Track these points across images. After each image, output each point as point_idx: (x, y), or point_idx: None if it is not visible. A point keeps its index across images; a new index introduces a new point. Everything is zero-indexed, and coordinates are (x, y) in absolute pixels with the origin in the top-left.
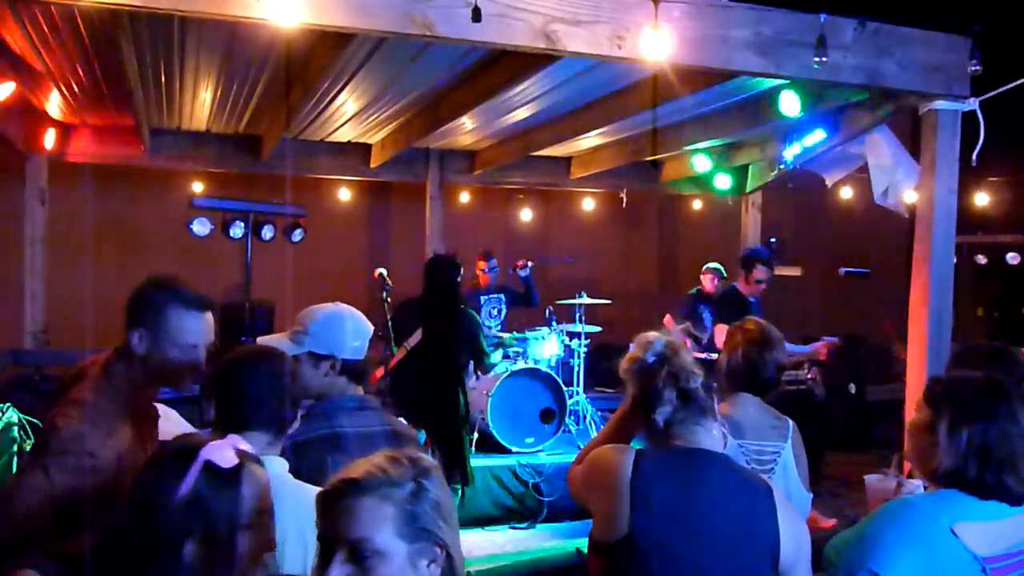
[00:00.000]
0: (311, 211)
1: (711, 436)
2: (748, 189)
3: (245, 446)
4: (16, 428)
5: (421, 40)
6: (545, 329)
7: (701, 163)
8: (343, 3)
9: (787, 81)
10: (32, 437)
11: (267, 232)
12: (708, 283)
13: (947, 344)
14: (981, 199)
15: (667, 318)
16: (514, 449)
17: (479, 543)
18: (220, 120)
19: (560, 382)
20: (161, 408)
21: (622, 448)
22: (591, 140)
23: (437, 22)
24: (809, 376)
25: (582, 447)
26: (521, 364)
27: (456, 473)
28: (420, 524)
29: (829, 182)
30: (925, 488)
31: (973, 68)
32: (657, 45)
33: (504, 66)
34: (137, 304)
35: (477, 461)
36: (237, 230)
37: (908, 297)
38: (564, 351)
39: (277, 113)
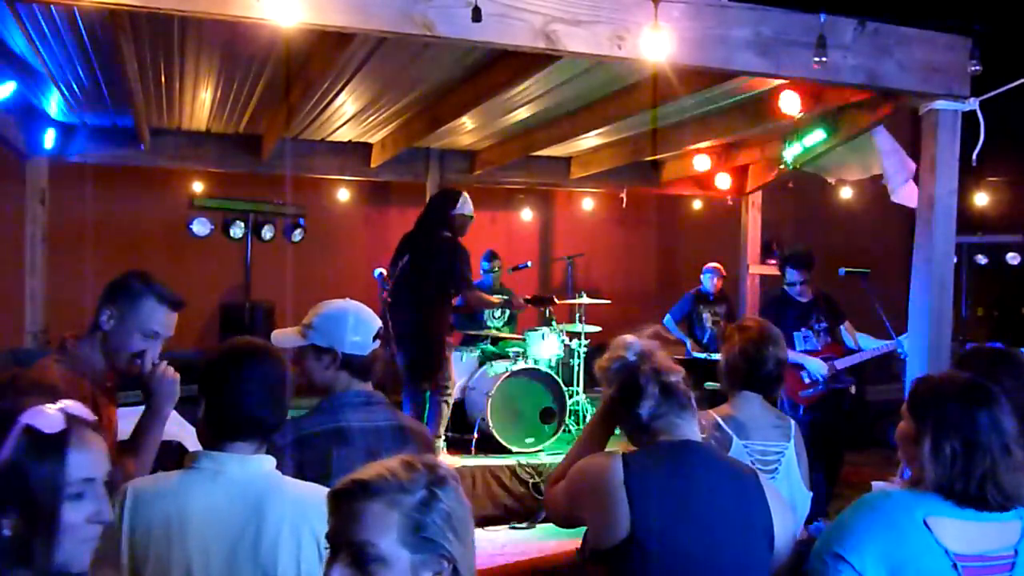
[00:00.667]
0: (311, 211)
1: (693, 429)
2: (748, 189)
3: (76, 409)
4: None
5: (421, 40)
6: (545, 329)
7: (701, 163)
8: (343, 3)
9: (787, 81)
10: None
11: (267, 232)
12: (709, 283)
13: (947, 344)
14: (981, 199)
15: (666, 318)
16: (514, 449)
17: (479, 543)
18: (220, 120)
19: (560, 382)
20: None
21: (605, 453)
22: (591, 140)
23: (437, 22)
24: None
25: (553, 471)
26: (521, 364)
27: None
28: (427, 534)
29: (832, 179)
30: None
31: (973, 68)
32: (657, 45)
33: (504, 66)
34: (116, 287)
35: (477, 461)
36: (237, 230)
37: (908, 297)
38: (564, 351)
39: (277, 113)
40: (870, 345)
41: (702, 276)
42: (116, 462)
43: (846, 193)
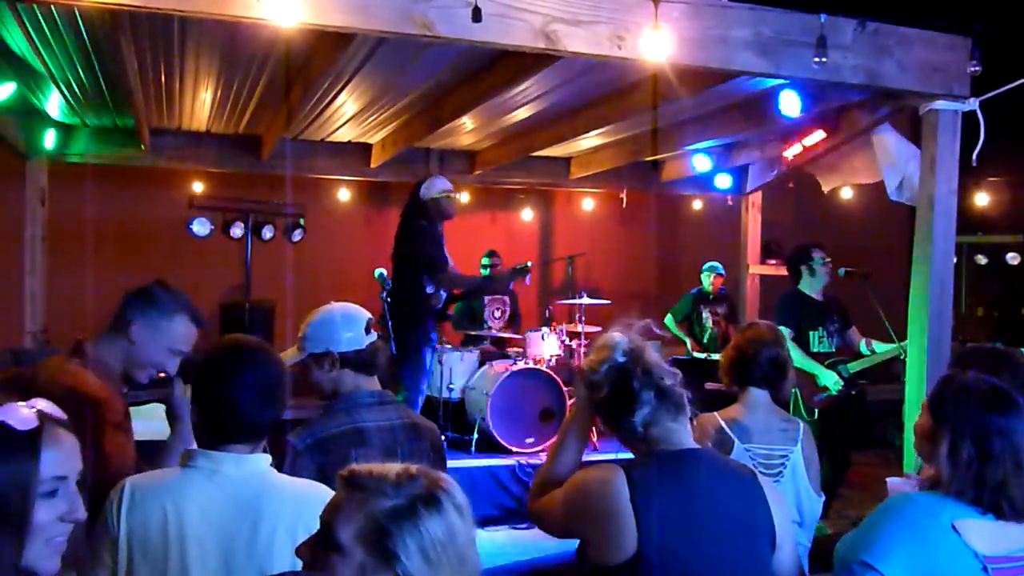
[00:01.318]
0: (311, 211)
1: (688, 432)
2: (748, 189)
3: (49, 407)
4: None
5: (421, 40)
6: (545, 329)
7: (701, 163)
8: (343, 3)
9: (787, 81)
10: None
11: (267, 232)
12: (708, 282)
13: (947, 344)
14: (981, 199)
15: (667, 318)
16: (514, 449)
17: (479, 543)
18: (220, 120)
19: (560, 382)
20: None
21: (606, 467)
22: (591, 140)
23: (437, 22)
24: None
25: (532, 481)
26: (521, 364)
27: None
28: (388, 543)
29: (826, 188)
30: None
31: (973, 68)
32: (657, 45)
33: (504, 66)
34: (148, 300)
35: (477, 461)
36: (237, 230)
37: (908, 297)
38: (564, 351)
39: (277, 113)
40: (882, 349)
41: (701, 275)
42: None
43: (846, 193)
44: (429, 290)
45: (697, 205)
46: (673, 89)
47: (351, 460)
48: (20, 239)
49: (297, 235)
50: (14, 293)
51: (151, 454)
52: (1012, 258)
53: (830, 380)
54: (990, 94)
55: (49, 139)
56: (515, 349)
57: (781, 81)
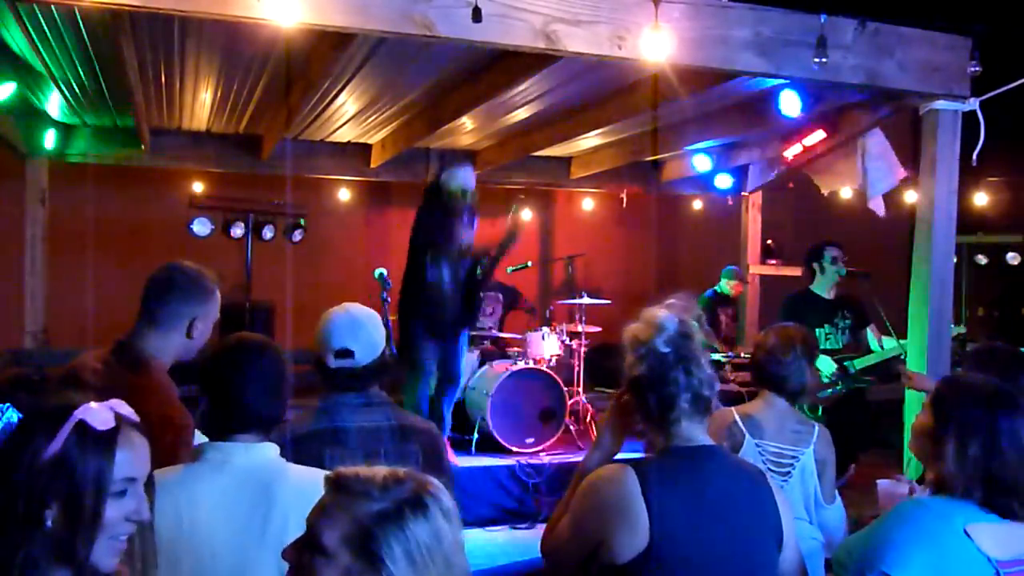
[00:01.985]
0: (311, 211)
1: (705, 430)
2: (748, 189)
3: (124, 409)
4: None
5: (421, 40)
6: (545, 329)
7: (701, 163)
8: (343, 3)
9: (787, 81)
10: None
11: (267, 232)
12: (729, 286)
13: (947, 344)
14: (981, 199)
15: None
16: (514, 449)
17: (480, 543)
18: (220, 120)
19: (560, 382)
20: None
21: (614, 466)
22: (591, 140)
23: (437, 22)
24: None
25: (549, 521)
26: (521, 364)
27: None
28: (373, 547)
29: (824, 190)
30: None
31: (973, 68)
32: (657, 45)
33: (504, 66)
34: (196, 290)
35: (477, 461)
36: (237, 230)
37: (908, 297)
38: (564, 351)
39: (277, 113)
40: (888, 346)
41: (721, 278)
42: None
43: (846, 193)
44: (431, 278)
45: (697, 205)
46: (673, 89)
47: (324, 460)
48: (20, 239)
49: (297, 235)
50: (14, 293)
51: None
52: (1012, 258)
53: (824, 365)
54: (990, 94)
55: (49, 139)
56: (515, 349)
57: (781, 81)
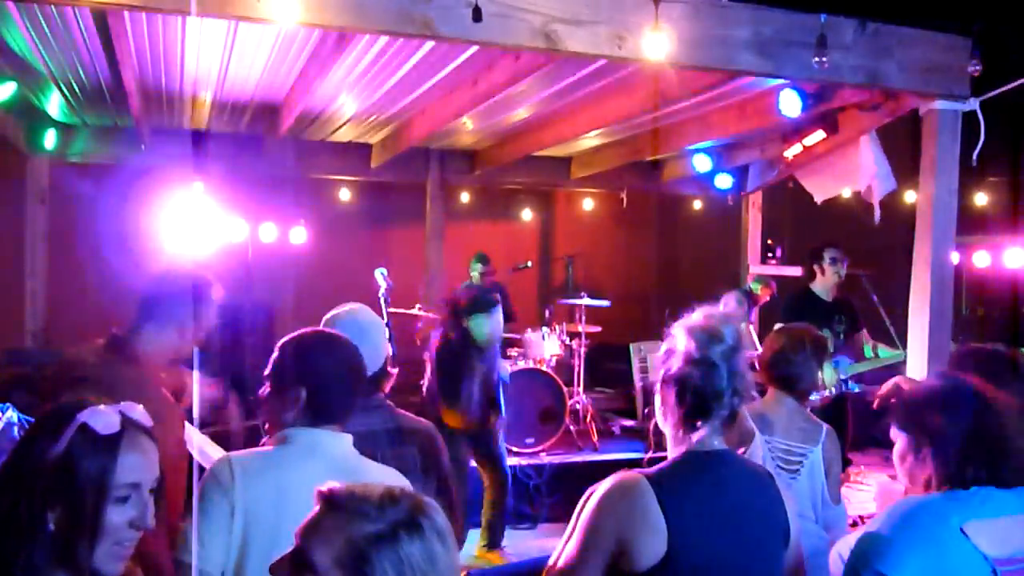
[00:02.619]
0: (311, 211)
1: (723, 438)
2: (748, 189)
3: (137, 413)
4: (16, 428)
5: (421, 40)
6: (545, 329)
7: (701, 163)
8: (343, 3)
9: (787, 81)
10: None
11: (267, 232)
12: (760, 289)
13: (947, 344)
14: (981, 199)
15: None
16: (514, 449)
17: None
18: (220, 120)
19: (560, 382)
20: None
21: (622, 475)
22: (591, 140)
23: (437, 22)
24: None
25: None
26: (521, 364)
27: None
28: (367, 569)
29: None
30: None
31: (973, 68)
32: (657, 45)
33: (504, 66)
34: (197, 291)
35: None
36: (238, 230)
37: (908, 297)
38: (564, 351)
39: (277, 113)
40: (885, 355)
41: (751, 283)
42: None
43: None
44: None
45: (697, 205)
46: (673, 89)
47: None
48: (20, 239)
49: (297, 235)
50: (14, 293)
51: None
52: (1012, 258)
53: (829, 376)
54: (990, 94)
55: (49, 139)
56: (515, 350)
57: (781, 81)
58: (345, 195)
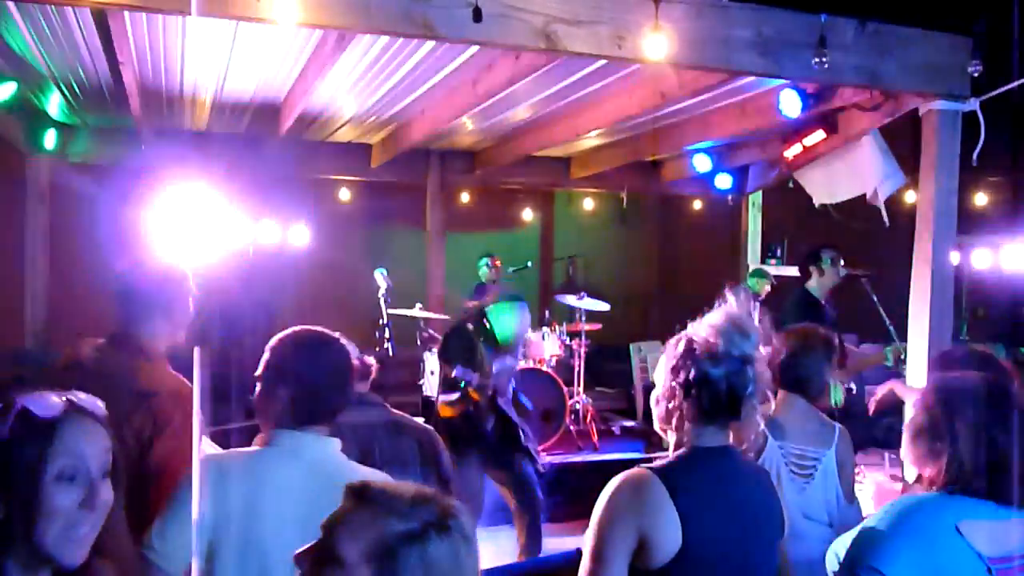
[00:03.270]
0: (311, 211)
1: (725, 434)
2: (748, 189)
3: (88, 402)
4: None
5: (421, 40)
6: (545, 329)
7: (701, 163)
8: (343, 3)
9: (787, 81)
10: None
11: (268, 232)
12: (760, 289)
13: (947, 344)
14: (981, 199)
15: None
16: None
17: (480, 543)
18: (220, 120)
19: (560, 382)
20: None
21: (630, 473)
22: (591, 140)
23: (437, 22)
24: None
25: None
26: (521, 364)
27: None
28: (395, 567)
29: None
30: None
31: (973, 68)
32: (657, 45)
33: (504, 66)
34: (187, 280)
35: None
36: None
37: (908, 297)
38: (564, 351)
39: (277, 113)
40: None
41: (752, 277)
42: None
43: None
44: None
45: (697, 205)
46: (673, 89)
47: None
48: (20, 239)
49: (298, 236)
50: (14, 293)
51: None
52: (1012, 258)
53: (836, 397)
54: (990, 94)
55: (49, 139)
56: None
57: (781, 81)
58: (345, 195)
